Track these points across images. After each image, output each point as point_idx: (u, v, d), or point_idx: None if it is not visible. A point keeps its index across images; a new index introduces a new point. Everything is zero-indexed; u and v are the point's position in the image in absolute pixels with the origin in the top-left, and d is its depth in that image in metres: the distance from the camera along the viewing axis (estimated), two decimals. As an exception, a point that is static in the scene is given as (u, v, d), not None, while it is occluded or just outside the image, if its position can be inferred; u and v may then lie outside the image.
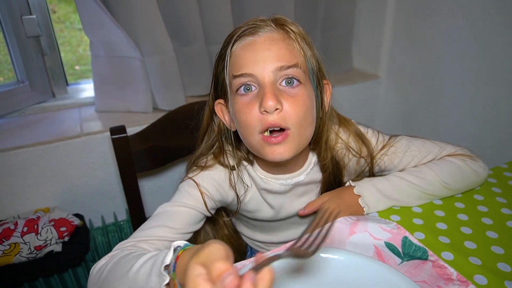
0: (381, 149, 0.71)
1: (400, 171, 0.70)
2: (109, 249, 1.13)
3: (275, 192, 0.70)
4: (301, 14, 1.42)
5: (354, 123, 0.72)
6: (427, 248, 0.57)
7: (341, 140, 0.70)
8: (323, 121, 0.66)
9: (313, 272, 0.52)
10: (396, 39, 1.47)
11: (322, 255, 0.53)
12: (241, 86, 0.59)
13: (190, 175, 0.67)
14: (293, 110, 0.58)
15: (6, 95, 1.20)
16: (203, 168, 0.68)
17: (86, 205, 1.17)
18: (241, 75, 0.59)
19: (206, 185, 0.66)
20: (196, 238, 0.76)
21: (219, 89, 0.65)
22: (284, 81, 0.59)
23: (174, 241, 0.61)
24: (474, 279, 0.52)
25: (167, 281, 0.43)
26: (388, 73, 1.55)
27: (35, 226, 0.98)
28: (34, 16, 1.19)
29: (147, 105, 1.24)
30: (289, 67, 0.58)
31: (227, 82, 0.62)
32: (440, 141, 0.73)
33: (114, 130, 0.89)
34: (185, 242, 0.46)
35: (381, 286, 0.49)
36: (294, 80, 0.59)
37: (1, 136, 1.10)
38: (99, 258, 1.10)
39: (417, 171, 0.68)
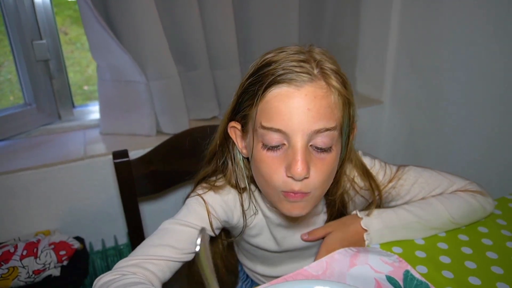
0: (389, 182, 0.70)
1: (407, 202, 0.69)
2: (108, 273, 1.11)
3: (278, 224, 0.70)
4: (305, 39, 1.45)
5: (360, 156, 0.71)
6: (429, 283, 0.56)
7: (348, 177, 0.69)
8: (342, 164, 0.64)
9: (311, 307, 0.51)
10: (400, 65, 1.48)
11: (321, 289, 0.52)
12: (269, 145, 0.55)
13: (199, 191, 0.66)
14: (318, 177, 0.55)
15: (14, 118, 1.22)
16: (213, 187, 0.66)
17: (87, 227, 1.17)
18: (272, 129, 0.54)
19: (214, 204, 0.65)
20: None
21: (238, 116, 0.61)
22: (316, 149, 0.55)
23: (177, 261, 0.61)
24: (478, 318, 0.50)
25: None
26: (392, 98, 1.55)
27: (35, 250, 0.97)
28: (44, 41, 1.22)
29: (151, 129, 1.25)
30: (327, 129, 0.54)
31: (253, 123, 0.57)
32: (448, 173, 0.72)
33: (117, 154, 0.90)
34: None
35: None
36: (325, 150, 0.55)
37: (6, 158, 1.11)
38: (98, 282, 1.09)
39: (427, 204, 0.67)
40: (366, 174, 0.69)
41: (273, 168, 0.55)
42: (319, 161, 0.55)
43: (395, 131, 1.56)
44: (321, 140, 0.54)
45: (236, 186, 0.67)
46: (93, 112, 1.39)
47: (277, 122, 0.53)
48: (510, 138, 1.13)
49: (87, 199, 1.15)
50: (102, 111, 1.26)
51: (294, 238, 0.72)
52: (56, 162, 1.09)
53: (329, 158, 0.56)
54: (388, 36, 1.47)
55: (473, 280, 0.57)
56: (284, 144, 0.55)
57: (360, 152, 0.72)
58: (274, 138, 0.55)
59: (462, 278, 0.58)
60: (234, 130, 0.63)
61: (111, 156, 1.13)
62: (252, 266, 0.81)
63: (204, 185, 0.68)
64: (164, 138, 1.01)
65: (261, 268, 0.79)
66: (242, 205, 0.67)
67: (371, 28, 1.53)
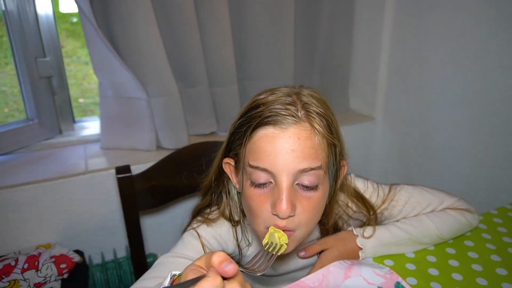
0: (382, 204, 0.73)
1: (399, 219, 0.73)
2: (107, 286, 1.13)
3: None
4: (300, 58, 1.50)
5: (353, 182, 0.73)
6: (419, 294, 0.59)
7: (341, 204, 0.72)
8: (331, 200, 0.67)
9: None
10: (391, 83, 1.55)
11: (317, 300, 0.55)
12: (257, 183, 0.57)
13: (194, 225, 0.69)
14: (304, 215, 0.57)
15: (16, 133, 1.25)
16: (206, 220, 0.69)
17: (86, 241, 1.19)
18: (258, 168, 0.56)
19: (207, 237, 0.68)
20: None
21: (231, 153, 0.64)
22: (302, 187, 0.57)
23: None
24: (464, 326, 0.54)
25: None
26: (384, 115, 1.60)
27: (36, 263, 0.99)
28: (48, 59, 1.26)
29: (151, 144, 1.28)
30: (311, 169, 0.55)
31: (242, 162, 0.60)
32: (437, 190, 0.76)
33: (120, 170, 0.93)
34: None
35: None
36: (311, 189, 0.57)
37: (8, 172, 1.13)
38: (97, 295, 1.10)
39: (418, 221, 0.70)
40: (360, 200, 0.72)
41: (259, 204, 0.57)
42: (305, 199, 0.57)
43: (387, 147, 1.61)
44: (307, 179, 0.56)
45: (230, 219, 0.70)
46: (94, 127, 1.42)
47: (264, 162, 0.56)
48: (496, 154, 1.18)
49: (87, 213, 1.18)
50: (103, 126, 1.29)
51: (289, 262, 0.75)
52: (58, 177, 1.11)
53: (315, 197, 0.58)
54: (380, 56, 1.54)
55: (460, 291, 0.61)
56: (271, 182, 0.57)
57: (352, 175, 0.75)
58: (261, 176, 0.57)
59: (450, 289, 0.61)
60: (229, 165, 0.66)
61: (112, 171, 1.17)
62: (251, 284, 0.83)
63: (199, 218, 0.70)
64: (164, 153, 1.04)
65: (258, 287, 0.82)
66: (236, 238, 0.70)
67: (363, 48, 1.60)
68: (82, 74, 1.69)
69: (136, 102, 1.24)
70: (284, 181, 0.55)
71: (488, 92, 1.17)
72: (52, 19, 1.25)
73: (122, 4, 1.11)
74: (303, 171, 0.55)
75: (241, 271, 0.78)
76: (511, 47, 1.09)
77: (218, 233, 0.69)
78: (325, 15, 1.50)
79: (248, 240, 0.72)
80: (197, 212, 0.73)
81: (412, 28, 1.40)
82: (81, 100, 1.72)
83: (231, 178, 0.67)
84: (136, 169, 0.99)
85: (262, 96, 0.60)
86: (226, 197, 0.70)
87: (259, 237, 0.62)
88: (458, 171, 1.31)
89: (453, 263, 0.68)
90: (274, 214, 0.56)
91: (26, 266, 0.98)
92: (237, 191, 0.69)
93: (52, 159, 1.24)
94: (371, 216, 0.71)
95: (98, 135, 1.37)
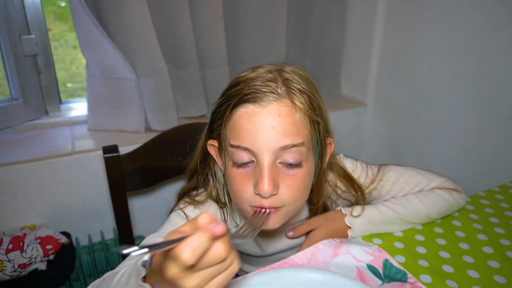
0: (371, 183, 0.73)
1: (388, 199, 0.73)
2: (94, 268, 1.12)
3: (264, 232, 0.71)
4: (292, 43, 1.49)
5: (341, 162, 0.73)
6: (406, 271, 0.60)
7: (330, 183, 0.71)
8: (319, 178, 0.66)
9: (297, 292, 0.54)
10: (383, 69, 1.54)
11: (308, 275, 0.55)
12: (238, 163, 0.56)
13: (181, 206, 0.68)
14: (289, 192, 0.56)
15: (0, 112, 1.21)
16: (194, 202, 0.68)
17: (73, 223, 1.17)
18: (239, 147, 0.55)
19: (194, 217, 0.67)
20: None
21: (214, 134, 0.63)
22: (286, 165, 0.56)
23: None
24: (450, 301, 0.54)
25: (143, 274, 0.41)
26: (375, 101, 1.60)
27: (21, 244, 0.97)
28: (32, 36, 1.22)
29: (140, 125, 1.26)
30: (293, 145, 0.54)
31: (223, 141, 0.59)
32: (426, 171, 0.76)
33: (107, 149, 0.91)
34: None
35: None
36: (295, 166, 0.56)
37: (-8, 152, 1.11)
38: (84, 277, 1.10)
39: (406, 201, 0.70)
40: (348, 179, 0.72)
41: (241, 185, 0.57)
42: (288, 177, 0.56)
43: (378, 132, 1.62)
44: (289, 156, 0.55)
45: (217, 201, 0.69)
46: (81, 108, 1.39)
47: (244, 141, 0.55)
48: (485, 139, 1.19)
49: (74, 194, 1.16)
50: (90, 107, 1.27)
51: (278, 243, 0.74)
52: (45, 157, 1.09)
53: (300, 174, 0.57)
54: (372, 41, 1.53)
55: (447, 268, 0.61)
56: (253, 161, 0.56)
57: (341, 155, 0.75)
58: (243, 156, 0.56)
59: (437, 266, 0.62)
60: (213, 147, 0.65)
61: (99, 152, 1.15)
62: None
63: (186, 199, 0.69)
64: (152, 135, 1.02)
65: (247, 267, 0.81)
66: (223, 219, 0.69)
67: (355, 33, 1.59)
68: (70, 58, 1.65)
69: (125, 82, 1.21)
70: (266, 159, 0.54)
71: (477, 79, 1.18)
72: (37, -5, 1.21)
73: (111, -19, 1.08)
74: (285, 148, 0.54)
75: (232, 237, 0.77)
76: (501, 34, 1.09)
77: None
78: (318, 1, 1.48)
79: (236, 222, 0.71)
80: (183, 195, 0.72)
81: (405, 15, 1.39)
82: (69, 85, 1.69)
83: (216, 160, 0.65)
84: (125, 151, 0.97)
85: (243, 73, 0.58)
86: (213, 179, 0.69)
87: (245, 216, 0.62)
88: (447, 156, 1.32)
89: (441, 241, 0.68)
90: (257, 194, 0.56)
91: (10, 247, 0.96)
92: (223, 173, 0.68)
93: (38, 140, 1.21)
94: (358, 195, 0.71)
95: (86, 117, 1.34)
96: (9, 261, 0.94)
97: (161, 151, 1.00)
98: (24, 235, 1.00)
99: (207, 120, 0.71)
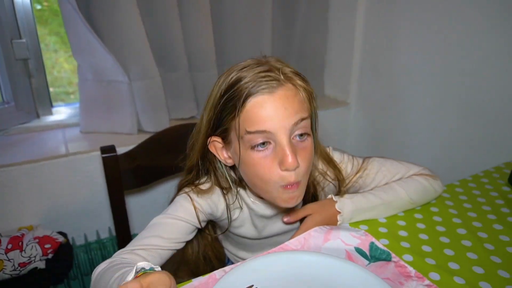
0: (357, 172, 0.80)
1: (373, 188, 0.80)
2: (91, 266, 1.15)
3: (261, 215, 0.77)
4: (277, 45, 1.55)
5: (329, 152, 0.80)
6: (390, 251, 0.66)
7: (319, 170, 0.78)
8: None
9: (294, 271, 0.60)
10: (364, 70, 1.62)
11: (303, 257, 0.61)
12: (257, 144, 0.61)
13: (186, 190, 0.72)
14: (304, 164, 0.63)
15: (-8, 115, 1.23)
16: (198, 189, 0.72)
17: (69, 223, 1.19)
18: (257, 132, 0.60)
19: (199, 200, 0.71)
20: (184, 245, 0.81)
21: (219, 130, 0.67)
22: (297, 136, 0.63)
23: (168, 249, 0.67)
24: (429, 275, 0.61)
25: None
26: (357, 100, 1.68)
27: (20, 243, 0.99)
28: (24, 40, 1.24)
29: (132, 127, 1.29)
30: (302, 119, 0.62)
31: (237, 132, 0.63)
32: (405, 161, 0.84)
33: (105, 149, 0.95)
34: (151, 265, 0.49)
35: (353, 281, 0.57)
36: (306, 135, 0.64)
37: (-15, 155, 1.12)
38: (82, 275, 1.12)
39: (389, 188, 0.77)
40: (329, 161, 0.78)
41: (267, 167, 0.62)
42: (302, 150, 0.63)
43: (360, 130, 1.70)
44: (300, 128, 0.63)
45: (220, 186, 0.73)
46: (72, 111, 1.41)
47: (260, 124, 0.60)
48: (459, 136, 1.28)
49: (69, 195, 1.18)
50: (82, 110, 1.29)
51: (274, 226, 0.80)
52: (40, 159, 1.11)
53: (309, 146, 0.65)
54: (353, 43, 1.61)
55: (426, 248, 0.68)
56: (270, 143, 0.62)
57: (330, 148, 0.81)
58: (259, 140, 0.62)
59: (417, 247, 0.68)
60: (215, 144, 0.69)
61: (94, 153, 1.18)
62: (235, 252, 0.88)
63: (190, 186, 0.73)
64: (145, 136, 1.06)
65: (243, 254, 0.87)
66: (226, 201, 0.74)
67: (337, 36, 1.66)
68: (52, 63, 1.66)
69: (117, 85, 1.24)
70: (284, 138, 0.61)
71: (453, 77, 1.27)
72: (27, 0, 1.23)
73: (103, -13, 1.12)
74: (296, 123, 0.61)
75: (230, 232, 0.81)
76: (476, 36, 1.18)
77: (210, 197, 0.73)
78: (301, 5, 1.55)
79: (240, 206, 0.76)
80: (183, 186, 0.76)
81: (384, 18, 1.48)
82: (51, 89, 1.69)
83: (217, 155, 0.70)
84: (119, 151, 1.00)
85: (235, 73, 0.63)
86: (214, 172, 0.74)
87: (269, 199, 0.67)
88: (426, 152, 1.40)
89: (420, 225, 0.75)
90: (283, 171, 0.61)
91: (9, 246, 0.98)
92: (224, 166, 0.73)
93: (31, 143, 1.23)
94: (340, 179, 0.78)
95: (77, 120, 1.36)
96: (9, 260, 0.96)
97: (156, 151, 1.04)
98: (23, 235, 1.02)
99: (196, 121, 0.74)
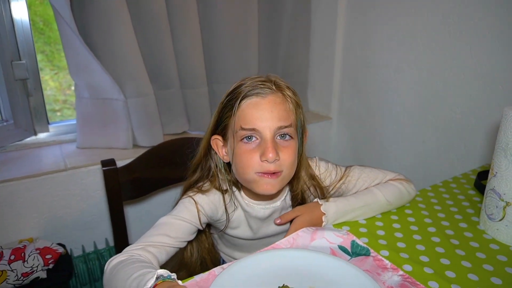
0: (340, 179, 0.90)
1: (355, 192, 0.89)
2: (90, 275, 1.19)
3: (255, 216, 0.85)
4: (263, 65, 1.65)
5: (316, 161, 0.90)
6: (369, 248, 0.75)
7: (305, 179, 0.88)
8: (299, 163, 0.83)
9: (284, 265, 0.67)
10: (344, 87, 1.74)
11: (293, 253, 0.69)
12: (246, 136, 0.73)
13: (190, 194, 0.81)
14: (286, 158, 0.74)
15: (-9, 133, 1.28)
16: (201, 190, 0.81)
17: (67, 235, 1.24)
18: (247, 129, 0.73)
19: (202, 203, 0.80)
20: (183, 249, 0.88)
21: (219, 128, 0.79)
22: (280, 136, 0.75)
23: (173, 247, 0.74)
24: (403, 267, 0.69)
25: None
26: (338, 115, 1.80)
27: (22, 254, 1.04)
28: (23, 62, 1.30)
29: (128, 142, 1.36)
30: (285, 127, 0.74)
31: (233, 129, 0.75)
32: (383, 169, 0.94)
33: (105, 163, 1.01)
34: (169, 273, 0.56)
35: (337, 272, 0.65)
36: (288, 136, 0.75)
37: (-14, 171, 1.16)
38: (81, 284, 1.16)
39: (369, 192, 0.87)
40: (312, 177, 0.88)
41: (249, 156, 0.74)
42: (284, 148, 0.75)
43: (342, 142, 1.81)
44: (282, 132, 0.74)
45: (219, 189, 0.83)
46: (68, 128, 1.47)
47: (251, 123, 0.73)
48: (431, 146, 1.40)
49: (67, 208, 1.23)
50: (79, 126, 1.35)
51: (267, 228, 0.88)
52: (39, 173, 1.16)
53: (292, 146, 0.76)
54: (334, 63, 1.73)
55: (400, 244, 0.77)
56: (257, 138, 0.74)
57: (317, 158, 0.91)
58: (250, 133, 0.73)
59: (392, 243, 0.77)
60: (216, 141, 0.81)
61: (92, 167, 1.24)
62: (230, 253, 0.95)
63: (194, 189, 0.83)
64: (139, 151, 1.13)
65: (238, 254, 0.94)
66: (224, 203, 0.83)
67: (319, 56, 1.79)
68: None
69: (113, 102, 1.31)
70: (268, 135, 0.73)
71: (423, 93, 1.39)
72: (27, 24, 1.29)
73: (101, 12, 1.20)
74: (280, 128, 0.73)
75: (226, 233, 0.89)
76: (443, 56, 1.31)
77: (211, 200, 0.81)
78: (285, 27, 1.67)
79: (235, 205, 0.84)
80: (188, 188, 0.84)
81: (361, 38, 1.61)
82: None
83: (218, 152, 0.81)
84: (117, 165, 1.06)
85: (240, 81, 0.77)
86: (215, 169, 0.83)
87: (249, 186, 0.77)
88: (401, 160, 1.52)
89: (396, 225, 0.84)
90: (263, 161, 0.72)
91: (12, 257, 1.02)
92: (224, 163, 0.83)
93: (29, 159, 1.28)
94: (323, 189, 0.88)
95: (73, 136, 1.42)
96: (12, 270, 1.00)
97: (154, 164, 1.11)
98: (24, 246, 1.07)
99: (189, 136, 0.85)
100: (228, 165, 0.83)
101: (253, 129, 0.73)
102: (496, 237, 0.79)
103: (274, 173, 0.74)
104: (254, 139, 0.74)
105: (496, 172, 0.77)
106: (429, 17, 1.33)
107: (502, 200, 0.76)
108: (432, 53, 1.34)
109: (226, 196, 0.83)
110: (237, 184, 0.84)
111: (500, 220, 0.77)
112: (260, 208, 0.85)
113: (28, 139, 1.38)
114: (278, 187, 0.76)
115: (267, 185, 0.74)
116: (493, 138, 1.06)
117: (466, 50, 1.24)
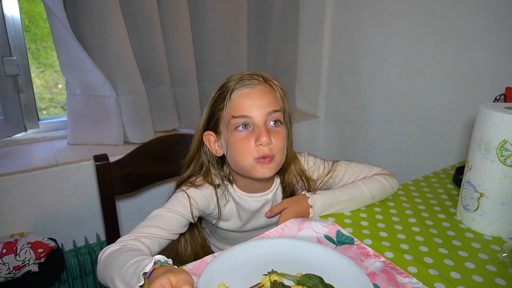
0: (327, 173, 0.94)
1: (341, 186, 0.93)
2: (82, 269, 1.20)
3: (247, 208, 0.89)
4: (252, 64, 1.69)
5: (305, 156, 0.94)
6: (353, 237, 0.79)
7: (294, 173, 0.92)
8: (288, 154, 0.87)
9: (273, 253, 0.71)
10: (331, 86, 1.79)
11: (281, 241, 0.72)
12: (240, 125, 0.78)
13: (183, 188, 0.83)
14: (278, 143, 0.79)
15: (-18, 129, 1.28)
16: (194, 185, 0.84)
17: (58, 230, 1.25)
18: (240, 116, 0.77)
19: (195, 197, 0.82)
20: (177, 244, 0.91)
21: (212, 123, 0.83)
22: (271, 122, 0.79)
23: (165, 239, 0.77)
24: (385, 254, 0.74)
25: (141, 283, 0.55)
26: (325, 113, 1.85)
27: (14, 248, 1.05)
28: (14, 58, 1.31)
29: (119, 139, 1.38)
30: (275, 111, 0.79)
31: (225, 120, 0.79)
32: (368, 164, 0.99)
33: (98, 158, 1.03)
34: (165, 258, 0.57)
35: (323, 259, 0.69)
36: (278, 121, 0.80)
37: (-23, 166, 1.17)
38: (72, 278, 1.18)
39: (354, 186, 0.91)
40: (301, 172, 0.92)
41: (246, 143, 0.78)
42: (275, 133, 0.79)
43: (329, 139, 1.86)
44: (273, 117, 0.79)
45: (212, 183, 0.86)
46: (58, 124, 1.47)
47: (243, 111, 0.77)
48: (414, 143, 1.46)
49: (59, 203, 1.24)
50: (70, 123, 1.36)
51: (258, 220, 0.92)
52: (31, 169, 1.17)
53: (282, 131, 0.81)
54: (321, 63, 1.78)
55: (383, 234, 0.81)
56: (250, 126, 0.78)
57: (305, 153, 0.96)
58: (243, 121, 0.78)
59: (375, 233, 0.81)
60: (209, 137, 0.84)
61: (83, 163, 1.25)
62: (221, 246, 0.98)
63: (187, 184, 0.85)
64: (130, 147, 1.14)
65: (227, 248, 0.97)
66: (217, 197, 0.86)
67: (307, 55, 1.83)
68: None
69: (104, 100, 1.33)
70: (261, 121, 0.78)
71: (407, 92, 1.45)
72: (18, 20, 1.30)
73: (94, 10, 1.22)
74: (270, 113, 0.79)
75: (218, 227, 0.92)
76: (425, 55, 1.37)
77: (203, 194, 0.84)
78: (274, 27, 1.71)
79: (226, 198, 0.87)
80: (181, 183, 0.86)
81: (348, 39, 1.66)
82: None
83: (210, 148, 0.84)
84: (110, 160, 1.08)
85: (229, 77, 0.81)
86: (207, 164, 0.86)
87: (246, 172, 0.81)
88: (385, 156, 1.57)
89: (379, 217, 0.88)
90: (258, 145, 0.77)
91: (4, 251, 1.03)
92: (216, 158, 0.86)
93: (20, 154, 1.28)
94: (311, 182, 0.93)
95: (64, 133, 1.43)
96: (4, 264, 1.01)
97: (146, 159, 1.13)
98: (16, 240, 1.08)
99: (178, 133, 0.87)
100: (221, 160, 0.86)
101: (246, 116, 0.77)
102: (471, 226, 0.84)
103: (268, 157, 0.78)
104: (247, 127, 0.78)
105: (471, 166, 0.82)
106: (412, 19, 1.38)
107: (477, 192, 0.81)
108: (415, 53, 1.40)
109: (219, 190, 0.86)
110: (229, 178, 0.87)
111: (475, 210, 0.82)
112: (252, 201, 0.88)
113: (18, 135, 1.38)
114: (274, 171, 0.80)
115: (263, 169, 0.79)
116: (471, 135, 1.12)
117: (446, 51, 1.30)
